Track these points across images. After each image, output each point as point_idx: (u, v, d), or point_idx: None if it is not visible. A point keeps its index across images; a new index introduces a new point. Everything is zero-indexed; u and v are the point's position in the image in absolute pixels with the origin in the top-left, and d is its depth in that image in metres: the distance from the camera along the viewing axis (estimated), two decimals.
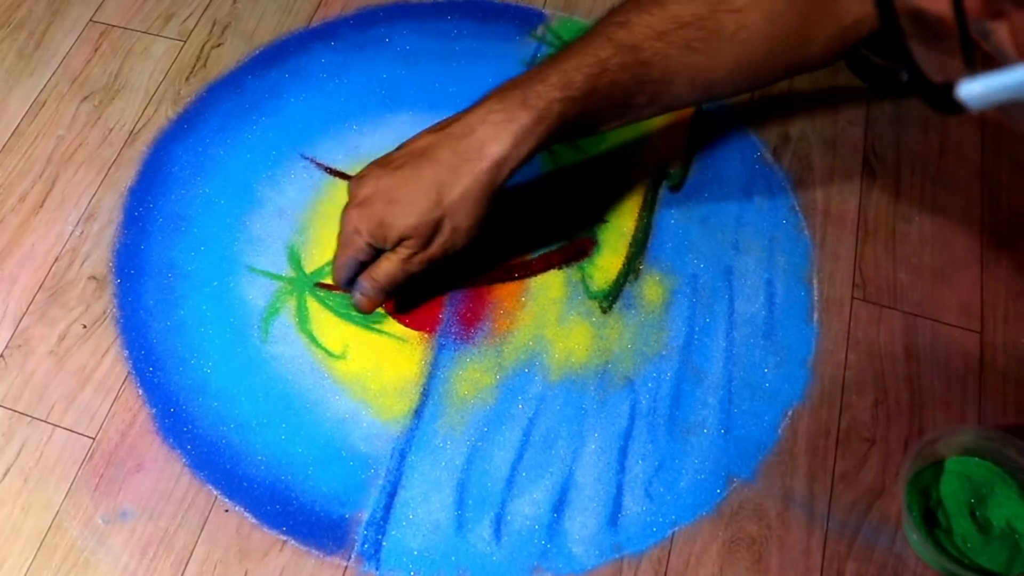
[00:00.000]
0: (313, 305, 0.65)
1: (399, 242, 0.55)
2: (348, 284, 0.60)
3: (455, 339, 0.64)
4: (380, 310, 0.65)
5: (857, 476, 0.59)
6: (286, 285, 0.66)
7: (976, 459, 0.57)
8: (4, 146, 0.74)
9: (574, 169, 0.71)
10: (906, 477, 0.55)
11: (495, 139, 0.52)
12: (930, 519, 0.56)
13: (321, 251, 0.68)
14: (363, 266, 0.59)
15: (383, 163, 0.56)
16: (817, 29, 0.53)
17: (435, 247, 0.56)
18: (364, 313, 0.62)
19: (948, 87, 0.28)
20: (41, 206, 0.70)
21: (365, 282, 0.59)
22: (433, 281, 0.65)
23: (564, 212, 0.69)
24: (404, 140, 0.57)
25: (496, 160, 0.52)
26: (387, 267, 0.57)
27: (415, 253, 0.56)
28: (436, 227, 0.54)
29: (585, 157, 0.72)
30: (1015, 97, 0.27)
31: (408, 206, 0.54)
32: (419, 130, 0.57)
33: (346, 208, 0.57)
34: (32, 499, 0.58)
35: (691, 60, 0.53)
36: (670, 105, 0.58)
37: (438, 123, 0.56)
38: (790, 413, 0.61)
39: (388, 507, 0.58)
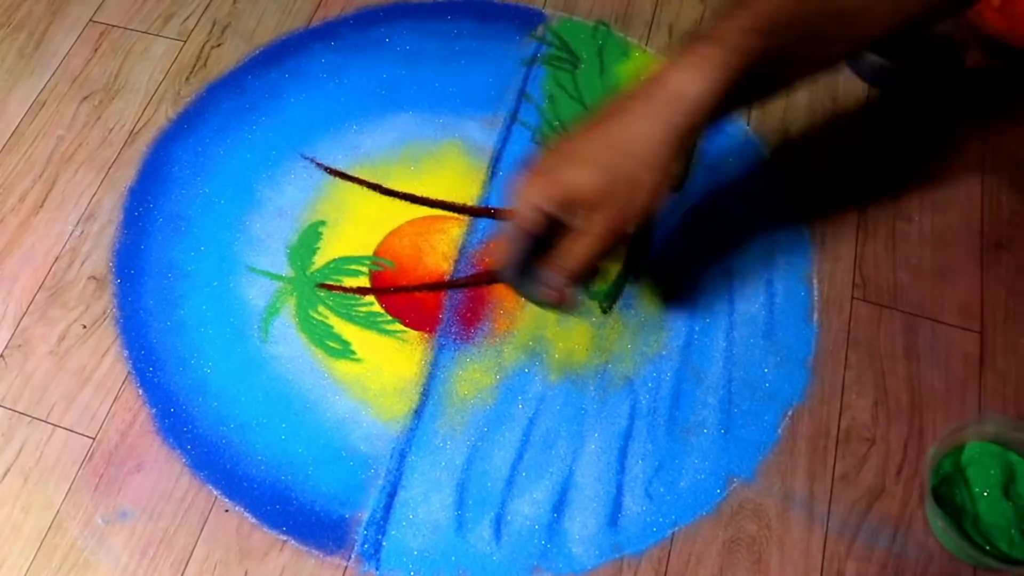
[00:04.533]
0: (313, 305, 0.65)
1: (583, 214, 0.47)
2: (519, 280, 0.51)
3: (455, 339, 0.64)
4: (379, 308, 0.65)
5: (857, 476, 0.59)
6: (286, 285, 0.66)
7: (997, 446, 0.57)
8: (4, 146, 0.74)
9: None
10: (931, 464, 0.55)
11: (690, 81, 0.46)
12: (948, 500, 0.56)
13: (321, 251, 0.68)
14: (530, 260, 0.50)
15: (567, 135, 0.49)
16: None
17: (631, 210, 0.47)
18: (563, 309, 0.52)
19: None
20: (41, 206, 0.70)
21: (552, 272, 0.49)
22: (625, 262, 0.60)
23: None
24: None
25: (692, 101, 0.46)
26: (578, 249, 0.48)
27: (609, 223, 0.47)
28: (630, 185, 0.46)
29: None
30: None
31: (594, 166, 0.46)
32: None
33: (519, 188, 0.49)
34: (32, 499, 0.58)
35: None
36: (857, 38, 0.51)
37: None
38: (790, 413, 0.61)
39: (388, 507, 0.58)
